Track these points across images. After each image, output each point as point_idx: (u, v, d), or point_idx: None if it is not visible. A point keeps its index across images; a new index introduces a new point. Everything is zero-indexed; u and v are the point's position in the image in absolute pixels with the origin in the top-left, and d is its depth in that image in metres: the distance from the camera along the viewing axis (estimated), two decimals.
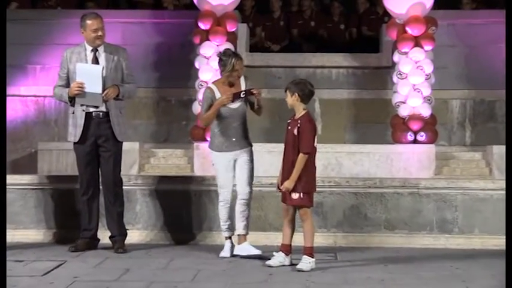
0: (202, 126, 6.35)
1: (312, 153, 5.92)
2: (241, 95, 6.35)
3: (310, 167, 5.92)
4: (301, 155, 5.85)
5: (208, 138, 6.63)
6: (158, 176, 7.54)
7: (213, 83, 6.63)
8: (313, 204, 6.06)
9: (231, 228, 6.45)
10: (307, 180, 5.89)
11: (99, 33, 6.61)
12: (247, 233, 6.40)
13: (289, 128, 6.00)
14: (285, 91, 6.03)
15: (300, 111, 5.98)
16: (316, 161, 5.99)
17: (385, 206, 7.15)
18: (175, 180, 7.42)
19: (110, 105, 6.59)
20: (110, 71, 6.61)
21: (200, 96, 8.52)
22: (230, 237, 6.46)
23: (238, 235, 6.41)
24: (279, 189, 6.05)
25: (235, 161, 6.41)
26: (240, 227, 6.40)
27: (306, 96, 5.99)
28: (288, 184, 5.86)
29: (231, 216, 6.44)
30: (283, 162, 6.00)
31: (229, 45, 9.13)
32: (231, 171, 6.41)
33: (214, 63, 8.85)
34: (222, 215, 6.45)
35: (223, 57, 6.43)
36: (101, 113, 6.59)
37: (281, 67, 10.19)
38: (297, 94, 5.96)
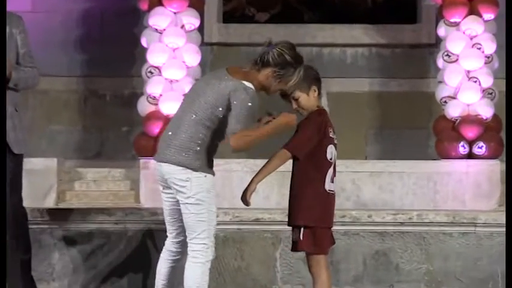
0: (237, 150, 5.96)
1: (319, 165, 5.68)
2: None
3: (317, 185, 5.64)
4: (282, 150, 5.65)
5: (186, 154, 6.01)
6: (86, 209, 7.55)
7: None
8: (327, 251, 5.72)
9: None
10: (312, 206, 5.60)
11: None
12: None
13: None
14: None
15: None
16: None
17: (427, 253, 7.23)
18: (113, 214, 7.44)
19: None
20: None
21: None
22: None
23: None
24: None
25: None
26: None
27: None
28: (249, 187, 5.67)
29: None
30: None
31: (192, 13, 9.16)
32: None
33: (170, 39, 8.91)
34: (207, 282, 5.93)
35: (297, 59, 5.95)
36: None
37: None
38: (315, 87, 5.78)
